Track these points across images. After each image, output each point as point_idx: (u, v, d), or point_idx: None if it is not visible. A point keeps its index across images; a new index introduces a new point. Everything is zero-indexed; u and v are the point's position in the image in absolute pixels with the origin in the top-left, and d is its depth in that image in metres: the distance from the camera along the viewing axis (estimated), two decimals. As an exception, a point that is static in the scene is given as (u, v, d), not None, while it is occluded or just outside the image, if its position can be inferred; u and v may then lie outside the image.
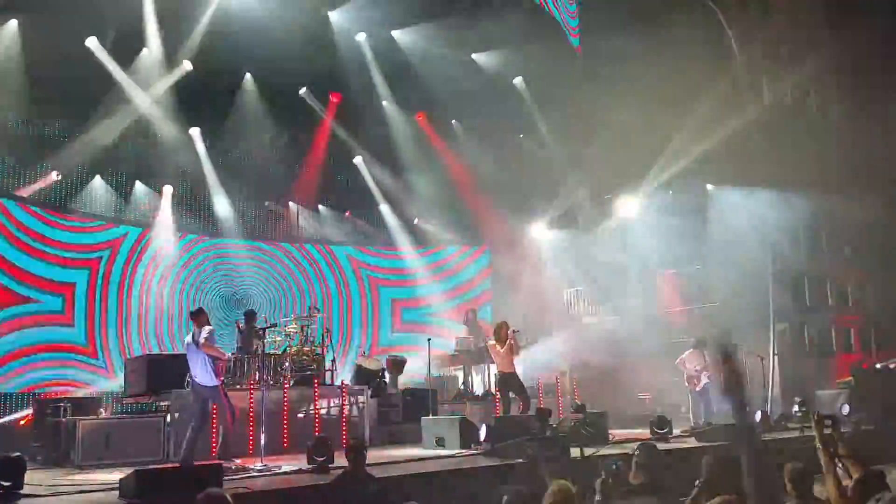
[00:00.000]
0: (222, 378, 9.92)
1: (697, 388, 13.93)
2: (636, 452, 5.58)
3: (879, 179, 19.16)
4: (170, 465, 9.24)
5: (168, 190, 17.73)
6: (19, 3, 13.79)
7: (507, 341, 12.26)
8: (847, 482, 4.76)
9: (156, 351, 16.35)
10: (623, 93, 16.40)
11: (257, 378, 11.93)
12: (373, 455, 8.67)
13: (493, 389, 13.90)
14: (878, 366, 15.93)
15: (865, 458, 5.04)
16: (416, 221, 20.91)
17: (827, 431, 5.00)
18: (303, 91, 18.29)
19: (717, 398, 13.89)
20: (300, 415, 12.34)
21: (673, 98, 16.39)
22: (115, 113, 15.67)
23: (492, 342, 12.60)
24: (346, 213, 20.88)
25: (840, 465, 4.86)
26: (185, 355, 11.89)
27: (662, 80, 16.26)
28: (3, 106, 14.60)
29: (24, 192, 15.80)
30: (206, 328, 9.74)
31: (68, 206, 16.60)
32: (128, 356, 15.80)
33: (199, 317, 9.93)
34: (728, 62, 18.09)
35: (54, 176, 16.07)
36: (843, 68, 21.04)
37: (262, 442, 9.85)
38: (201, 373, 9.65)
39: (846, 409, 14.10)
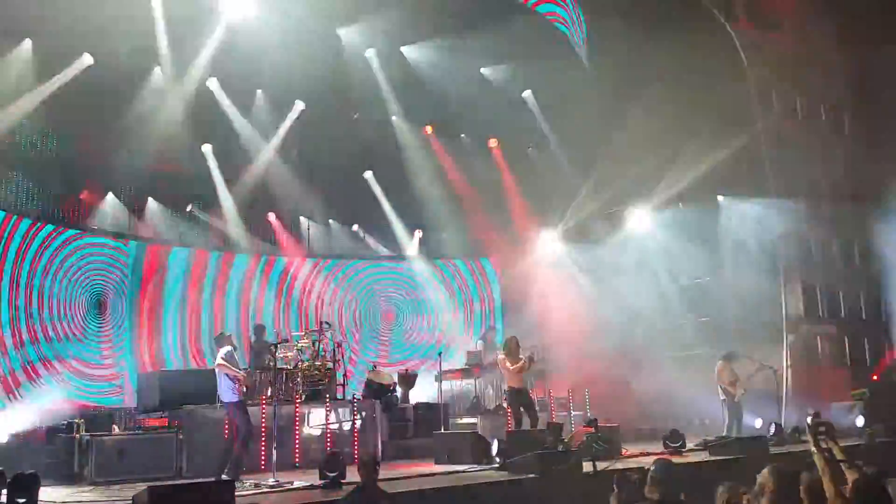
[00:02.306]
0: (240, 397, 10.20)
1: (736, 400, 13.77)
2: (652, 468, 5.56)
3: (891, 188, 19.07)
4: (183, 482, 9.25)
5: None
6: (31, 23, 13.94)
7: (519, 360, 12.19)
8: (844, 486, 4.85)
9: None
10: (633, 105, 16.42)
11: (269, 393, 11.94)
12: (385, 470, 8.64)
13: (504, 404, 13.86)
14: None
15: (864, 463, 5.15)
16: (418, 234, 20.95)
17: (822, 437, 5.10)
18: (300, 104, 18.29)
19: (748, 411, 13.86)
20: (312, 430, 12.33)
21: (683, 110, 16.38)
22: (128, 129, 15.82)
23: (501, 357, 12.55)
24: (354, 227, 20.91)
25: (835, 468, 4.96)
26: (196, 371, 12.17)
27: (673, 92, 16.27)
28: (19, 126, 14.79)
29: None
30: (224, 349, 10.22)
31: (82, 223, 16.71)
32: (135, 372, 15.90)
33: (219, 341, 10.63)
34: (739, 73, 18.08)
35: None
36: (855, 79, 21.01)
37: (274, 457, 9.84)
38: (220, 389, 10.17)
39: (860, 420, 13.98)
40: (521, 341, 12.66)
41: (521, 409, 12.28)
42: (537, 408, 12.78)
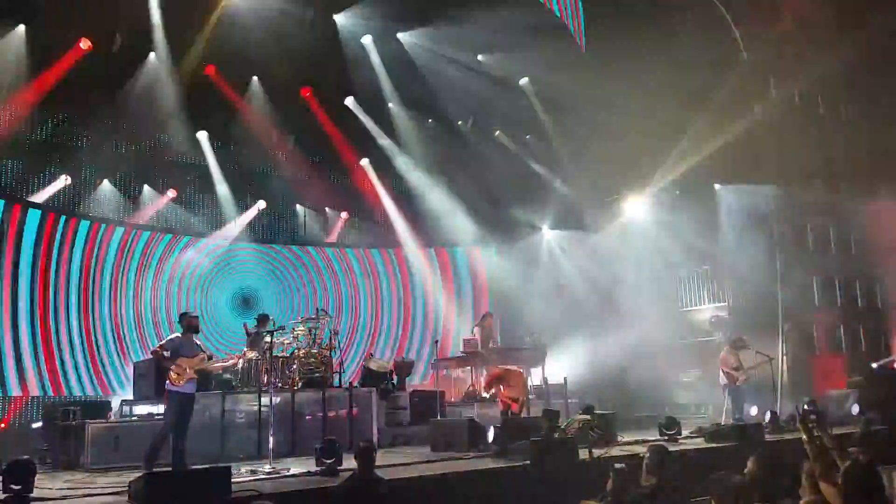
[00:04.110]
0: (173, 386, 9.29)
1: (737, 383, 13.81)
2: (646, 455, 5.57)
3: (889, 176, 19.07)
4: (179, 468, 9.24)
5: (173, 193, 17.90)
6: (26, 9, 13.86)
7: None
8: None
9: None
10: (630, 92, 16.36)
11: (265, 380, 11.94)
12: (381, 457, 8.66)
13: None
14: (873, 365, 15.90)
15: (856, 451, 5.20)
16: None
17: (812, 426, 5.17)
18: (307, 93, 18.25)
19: (748, 398, 13.88)
20: (308, 417, 12.34)
21: (680, 97, 16.33)
22: (123, 115, 15.75)
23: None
24: (344, 214, 20.78)
25: (825, 456, 5.01)
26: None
27: (669, 78, 16.21)
28: (13, 111, 14.72)
29: (36, 197, 15.89)
30: (172, 335, 9.76)
31: (77, 209, 16.66)
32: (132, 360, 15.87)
33: (179, 321, 9.81)
34: (735, 60, 18.02)
35: (63, 180, 16.16)
36: (853, 65, 20.94)
37: (271, 444, 9.84)
38: None
39: (856, 408, 14.01)
40: (515, 329, 12.72)
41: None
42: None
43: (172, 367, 9.25)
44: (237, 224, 18.61)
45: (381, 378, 14.15)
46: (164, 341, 9.64)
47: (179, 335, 9.60)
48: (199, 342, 9.62)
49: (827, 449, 5.05)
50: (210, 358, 9.84)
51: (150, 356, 9.44)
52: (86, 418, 11.09)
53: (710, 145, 16.88)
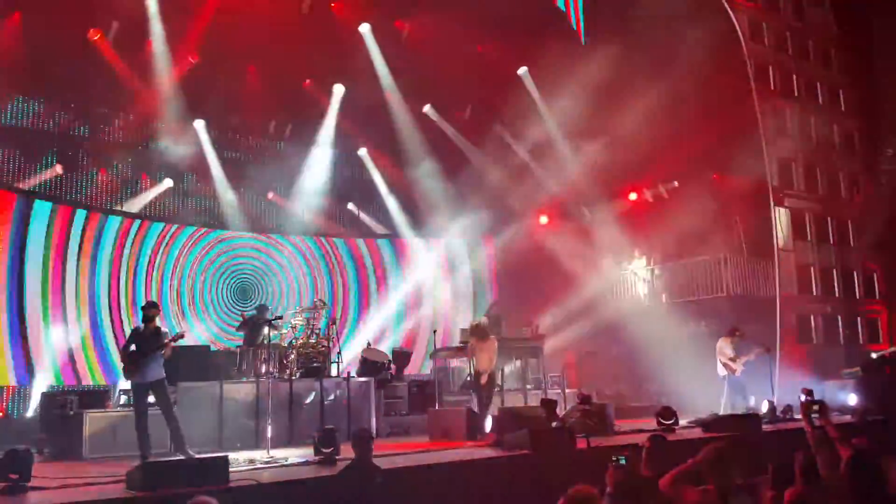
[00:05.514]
0: (129, 378, 9.57)
1: (736, 374, 13.77)
2: (646, 445, 5.57)
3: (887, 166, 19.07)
4: (177, 458, 9.24)
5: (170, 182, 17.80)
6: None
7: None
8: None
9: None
10: (630, 82, 16.30)
11: (263, 370, 11.94)
12: (379, 446, 8.65)
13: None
14: (873, 355, 15.93)
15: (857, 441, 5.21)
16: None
17: (815, 416, 5.16)
18: (306, 83, 18.20)
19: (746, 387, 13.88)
20: (306, 406, 12.34)
21: (681, 87, 16.26)
22: (119, 105, 15.68)
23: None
24: (349, 205, 20.73)
25: (828, 446, 5.01)
26: (190, 347, 11.92)
27: (671, 69, 16.14)
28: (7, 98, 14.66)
29: (27, 184, 15.81)
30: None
31: (73, 198, 16.60)
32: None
33: None
34: (735, 52, 17.95)
35: (58, 170, 16.09)
36: (851, 56, 20.97)
37: (269, 433, 9.84)
38: None
39: (853, 398, 14.03)
40: (513, 319, 12.71)
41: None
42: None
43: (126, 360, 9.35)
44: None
45: (378, 367, 14.15)
46: (127, 337, 9.75)
47: (140, 326, 9.61)
48: (164, 329, 9.58)
49: (830, 439, 5.03)
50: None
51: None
52: (84, 408, 11.08)
53: (711, 135, 16.81)
